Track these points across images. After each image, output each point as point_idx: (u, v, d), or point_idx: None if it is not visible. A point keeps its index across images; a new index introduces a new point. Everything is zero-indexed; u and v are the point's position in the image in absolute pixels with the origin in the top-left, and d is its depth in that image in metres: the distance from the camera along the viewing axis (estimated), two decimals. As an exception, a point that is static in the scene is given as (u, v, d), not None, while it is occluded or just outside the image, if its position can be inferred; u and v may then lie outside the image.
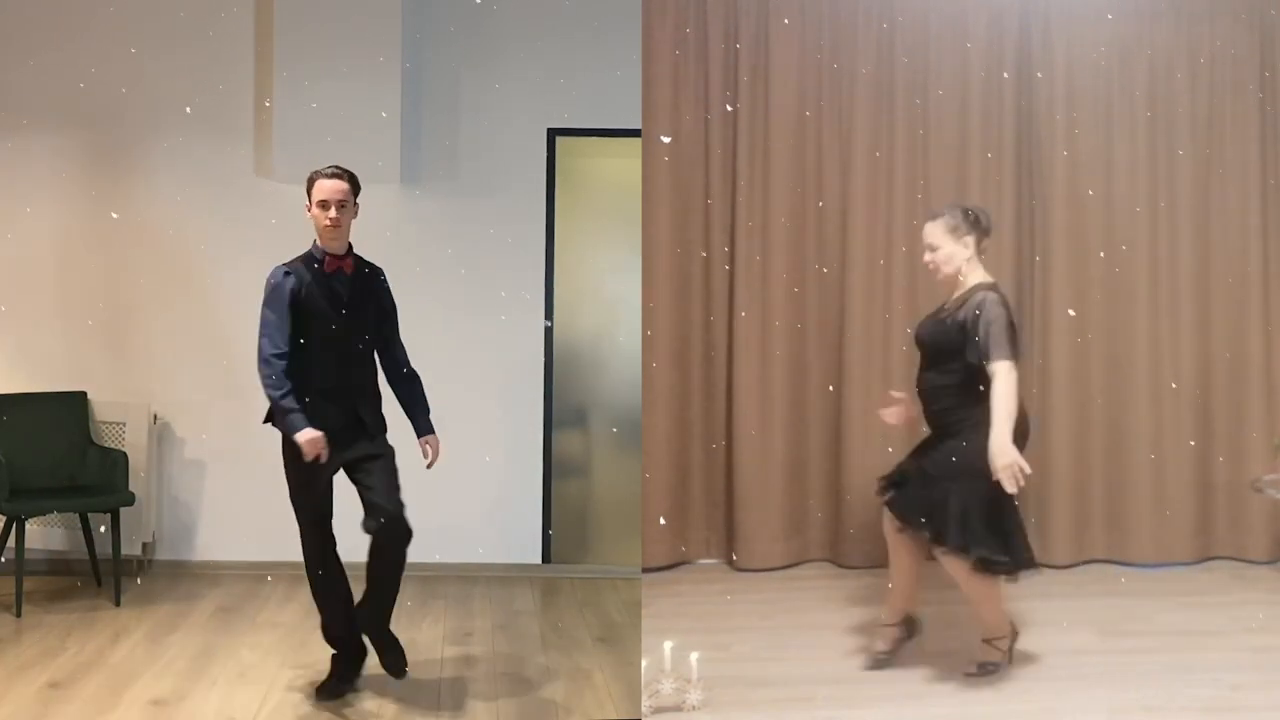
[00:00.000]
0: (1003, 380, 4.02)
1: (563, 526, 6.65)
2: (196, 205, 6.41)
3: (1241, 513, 5.58)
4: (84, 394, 6.21)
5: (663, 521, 5.55)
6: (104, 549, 5.92)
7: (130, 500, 5.86)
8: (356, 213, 4.46)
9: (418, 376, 4.61)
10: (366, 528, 4.32)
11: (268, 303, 4.34)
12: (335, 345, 4.37)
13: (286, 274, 4.37)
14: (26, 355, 6.36)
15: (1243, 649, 4.55)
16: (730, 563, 5.68)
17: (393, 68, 6.25)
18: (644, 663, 4.19)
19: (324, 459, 4.24)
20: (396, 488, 4.40)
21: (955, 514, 4.09)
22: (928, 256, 4.28)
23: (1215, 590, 5.28)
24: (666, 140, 5.51)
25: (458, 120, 6.54)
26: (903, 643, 4.41)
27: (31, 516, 5.75)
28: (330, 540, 4.49)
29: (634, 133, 5.64)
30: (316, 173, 4.40)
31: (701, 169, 5.63)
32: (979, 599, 4.25)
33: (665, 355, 5.58)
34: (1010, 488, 3.93)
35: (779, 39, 5.57)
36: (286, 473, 4.42)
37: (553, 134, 6.57)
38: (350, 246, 4.46)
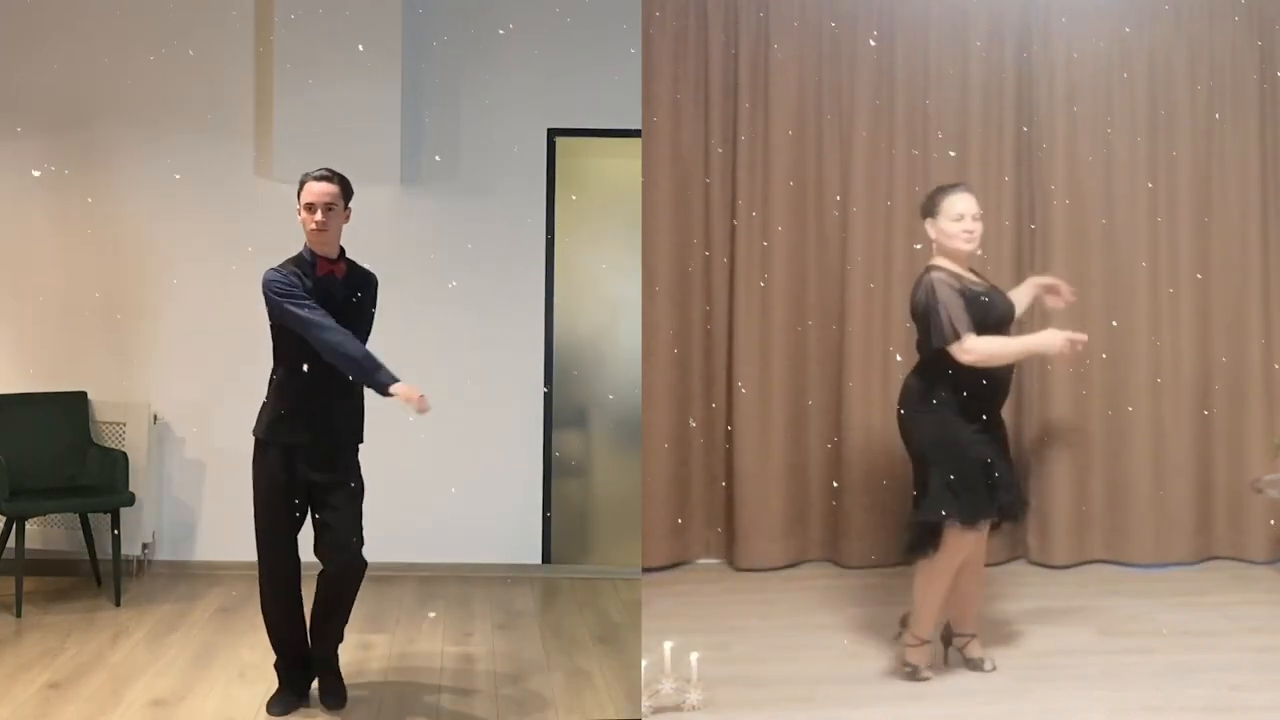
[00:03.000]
0: None
1: (563, 526, 6.65)
2: (197, 205, 6.42)
3: (1241, 513, 5.57)
4: (84, 394, 6.21)
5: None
6: (104, 549, 5.93)
7: (130, 500, 5.86)
8: (348, 217, 4.36)
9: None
10: (320, 559, 4.36)
11: (294, 298, 4.19)
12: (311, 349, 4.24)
13: (285, 273, 4.27)
14: (26, 355, 6.37)
15: (1243, 649, 4.55)
16: (730, 563, 5.68)
17: (393, 68, 6.25)
18: (644, 663, 4.19)
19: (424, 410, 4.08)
20: (357, 524, 4.35)
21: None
22: (975, 226, 4.21)
23: (1215, 590, 5.28)
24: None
25: (458, 120, 6.54)
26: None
27: (31, 516, 5.76)
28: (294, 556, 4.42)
29: (634, 133, 5.64)
30: (306, 175, 4.31)
31: (701, 169, 5.63)
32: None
33: (665, 355, 5.58)
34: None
35: (779, 38, 5.57)
36: (255, 486, 4.37)
37: (553, 134, 6.57)
38: (342, 251, 4.37)
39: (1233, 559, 5.59)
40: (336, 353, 4.13)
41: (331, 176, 4.30)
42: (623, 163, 6.40)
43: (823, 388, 5.62)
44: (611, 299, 6.67)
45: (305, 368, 4.22)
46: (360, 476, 4.40)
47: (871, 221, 5.58)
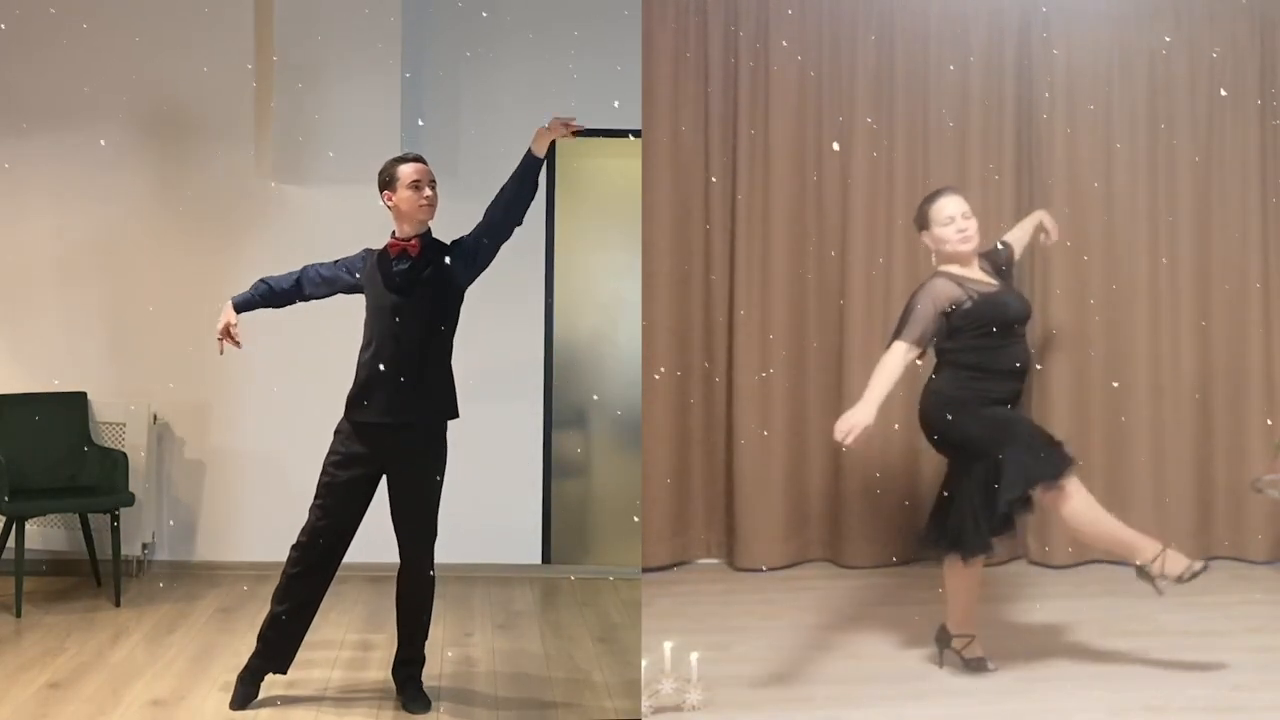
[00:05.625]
0: None
1: (563, 526, 6.65)
2: (197, 205, 6.41)
3: (1241, 513, 5.57)
4: (84, 394, 6.21)
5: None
6: (104, 549, 5.93)
7: (130, 500, 5.87)
8: None
9: (491, 208, 4.40)
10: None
11: None
12: (391, 328, 4.32)
13: (365, 254, 4.48)
14: (26, 355, 6.37)
15: (1243, 649, 4.55)
16: (730, 563, 5.68)
17: (393, 68, 6.25)
18: (644, 663, 4.19)
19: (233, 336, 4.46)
20: (413, 526, 4.37)
21: None
22: (967, 224, 4.23)
23: (1215, 590, 5.26)
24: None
25: (458, 120, 6.54)
26: None
27: (31, 516, 5.76)
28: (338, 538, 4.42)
29: (634, 133, 5.64)
30: (397, 160, 4.40)
31: (701, 169, 5.63)
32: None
33: (665, 355, 5.58)
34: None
35: (779, 38, 5.57)
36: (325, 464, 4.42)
37: (553, 134, 6.56)
38: (428, 230, 4.44)
39: (1233, 559, 5.59)
40: None
41: (421, 157, 4.44)
42: (623, 163, 6.40)
43: (823, 388, 5.62)
44: (611, 299, 6.67)
45: (369, 342, 4.37)
46: (428, 465, 4.37)
47: (872, 222, 5.58)
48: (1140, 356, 5.56)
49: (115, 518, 5.79)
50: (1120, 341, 5.57)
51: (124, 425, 6.21)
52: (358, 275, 4.45)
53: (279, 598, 4.44)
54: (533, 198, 4.42)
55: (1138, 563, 4.18)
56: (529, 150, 4.37)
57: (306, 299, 4.55)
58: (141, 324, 6.39)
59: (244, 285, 6.39)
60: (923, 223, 4.30)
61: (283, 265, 6.37)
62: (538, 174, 4.41)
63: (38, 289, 6.38)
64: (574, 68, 6.47)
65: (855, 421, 3.93)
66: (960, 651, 4.32)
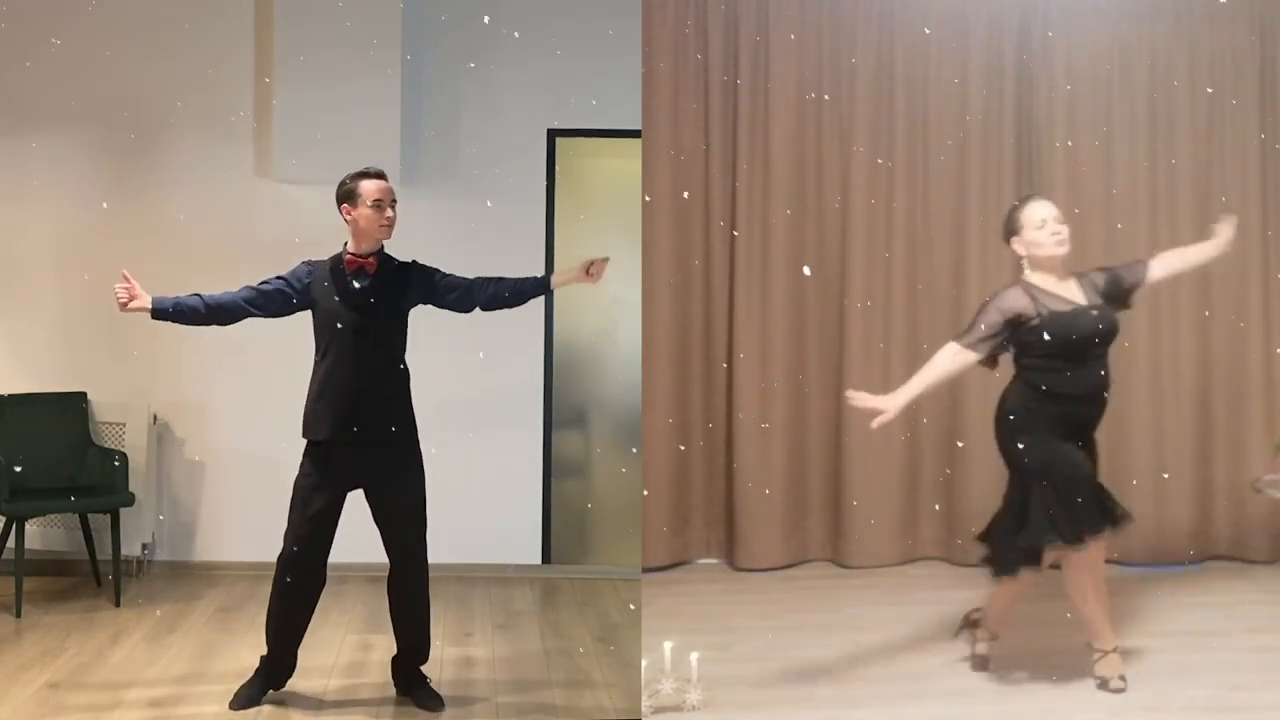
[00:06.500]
0: None
1: (563, 526, 6.65)
2: (197, 205, 6.41)
3: (1241, 513, 5.57)
4: (84, 394, 6.21)
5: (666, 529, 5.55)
6: (104, 549, 5.93)
7: (130, 500, 5.86)
8: None
9: (483, 280, 4.40)
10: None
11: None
12: (351, 345, 4.30)
13: (309, 268, 4.42)
14: (26, 355, 6.37)
15: (1243, 649, 4.55)
16: (730, 563, 5.68)
17: (393, 68, 6.25)
18: (644, 663, 4.19)
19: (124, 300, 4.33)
20: (399, 530, 4.38)
21: None
22: (1062, 228, 4.12)
23: (1215, 590, 5.28)
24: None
25: (458, 120, 6.54)
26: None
27: (31, 517, 5.76)
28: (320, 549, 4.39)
29: (634, 133, 5.64)
30: (359, 175, 4.36)
31: (701, 169, 5.64)
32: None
33: (665, 355, 5.58)
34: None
35: (779, 39, 5.57)
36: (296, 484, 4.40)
37: (553, 134, 6.57)
38: (381, 246, 4.41)
39: (1233, 559, 5.59)
40: None
41: (384, 173, 4.42)
42: (623, 163, 6.40)
43: (822, 388, 5.62)
44: (611, 300, 6.66)
45: (324, 357, 4.34)
46: (408, 474, 4.37)
47: (871, 223, 5.59)
48: (1140, 357, 5.56)
49: (115, 518, 5.79)
50: (1120, 342, 5.55)
51: (124, 425, 6.21)
52: (306, 291, 4.38)
53: (273, 630, 4.44)
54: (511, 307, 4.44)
55: (1093, 645, 4.24)
56: (547, 278, 4.40)
57: (238, 317, 4.42)
58: (141, 324, 6.35)
59: (243, 285, 6.43)
60: (1013, 228, 4.17)
61: (282, 265, 6.39)
62: (534, 297, 4.42)
63: (38, 290, 6.38)
64: (574, 68, 6.47)
65: (878, 406, 3.88)
66: (976, 640, 4.32)
